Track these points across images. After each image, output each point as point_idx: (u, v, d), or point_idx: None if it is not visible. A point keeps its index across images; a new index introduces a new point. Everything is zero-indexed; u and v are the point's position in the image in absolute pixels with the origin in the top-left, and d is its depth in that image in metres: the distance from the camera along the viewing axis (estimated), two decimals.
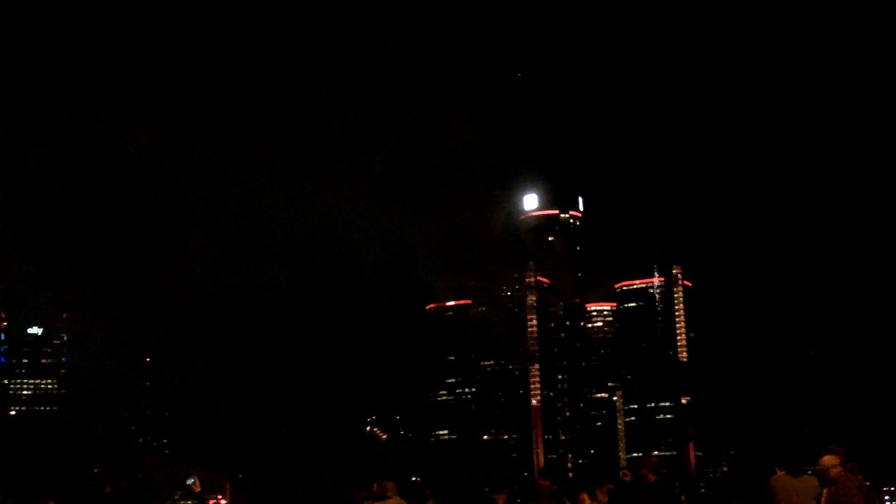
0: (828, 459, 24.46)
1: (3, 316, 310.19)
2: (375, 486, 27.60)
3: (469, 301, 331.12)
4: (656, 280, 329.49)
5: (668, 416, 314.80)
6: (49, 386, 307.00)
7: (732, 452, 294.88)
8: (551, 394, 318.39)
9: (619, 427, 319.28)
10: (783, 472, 26.76)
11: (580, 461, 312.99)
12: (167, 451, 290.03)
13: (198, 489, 31.44)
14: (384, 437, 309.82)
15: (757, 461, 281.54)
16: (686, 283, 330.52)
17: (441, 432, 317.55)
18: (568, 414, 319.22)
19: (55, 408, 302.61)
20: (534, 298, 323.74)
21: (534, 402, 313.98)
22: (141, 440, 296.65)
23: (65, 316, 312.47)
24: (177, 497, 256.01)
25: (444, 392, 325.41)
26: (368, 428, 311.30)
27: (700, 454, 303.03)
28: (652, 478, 24.28)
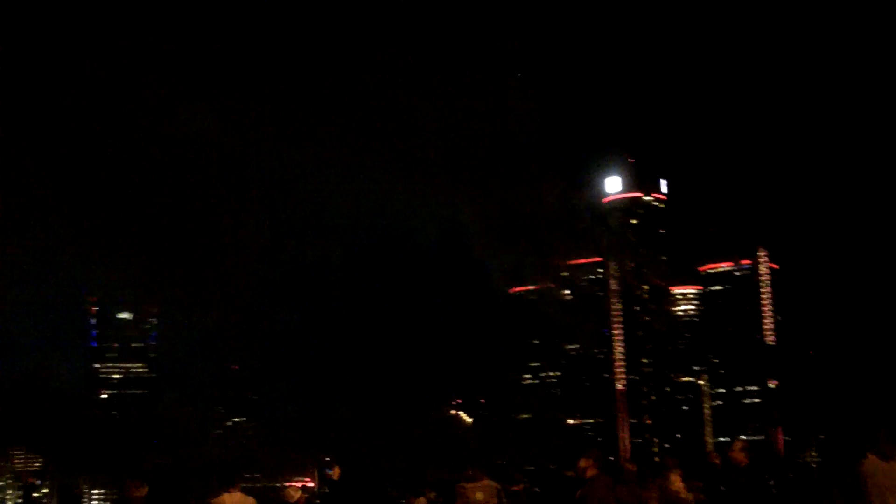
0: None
1: (94, 300, 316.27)
2: (469, 469, 27.90)
3: (553, 284, 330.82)
4: (742, 262, 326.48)
5: (756, 400, 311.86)
6: (139, 369, 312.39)
7: (822, 437, 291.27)
8: (636, 378, 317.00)
9: (706, 411, 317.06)
10: (874, 457, 26.48)
11: (666, 445, 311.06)
12: (250, 433, 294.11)
13: (336, 477, 32.30)
14: (469, 420, 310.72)
15: (848, 446, 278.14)
16: (773, 265, 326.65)
17: (525, 416, 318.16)
18: (653, 398, 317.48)
19: (145, 391, 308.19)
20: (617, 282, 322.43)
21: (619, 386, 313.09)
22: (229, 423, 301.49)
23: (154, 300, 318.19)
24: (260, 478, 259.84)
25: (529, 376, 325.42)
26: (453, 412, 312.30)
27: (788, 439, 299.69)
28: (744, 462, 24.19)
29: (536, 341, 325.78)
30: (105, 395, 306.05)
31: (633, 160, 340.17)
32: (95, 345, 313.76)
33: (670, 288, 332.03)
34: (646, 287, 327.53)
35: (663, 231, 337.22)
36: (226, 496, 25.90)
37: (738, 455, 25.58)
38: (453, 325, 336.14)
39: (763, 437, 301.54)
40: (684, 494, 27.85)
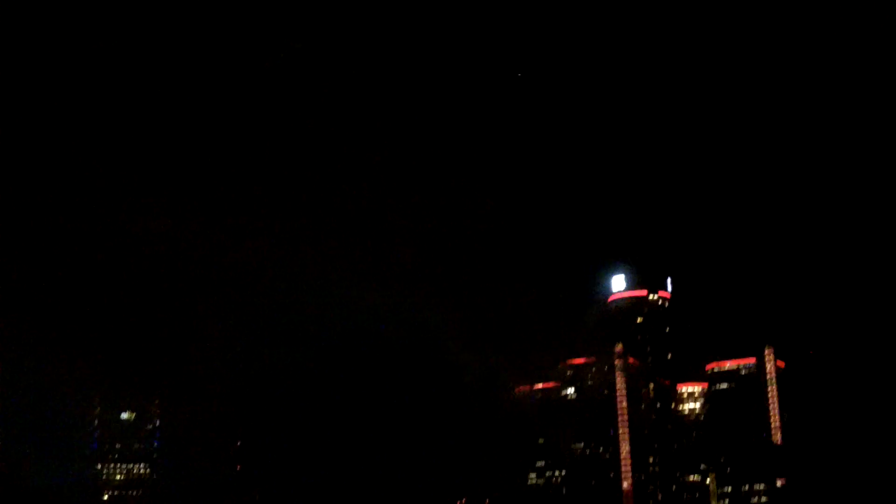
0: None
1: (97, 401, 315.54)
2: None
3: (558, 384, 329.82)
4: (747, 361, 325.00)
5: (764, 499, 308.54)
6: (141, 471, 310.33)
7: None
8: (643, 477, 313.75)
9: None
10: None
11: None
12: None
13: None
14: None
15: None
16: (779, 363, 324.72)
17: None
18: (660, 497, 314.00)
19: (147, 492, 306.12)
20: (623, 381, 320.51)
21: (625, 485, 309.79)
22: None
23: (157, 402, 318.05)
24: None
25: (534, 475, 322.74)
26: None
27: None
28: None
29: (542, 440, 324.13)
30: (106, 497, 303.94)
31: (638, 259, 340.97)
32: (96, 446, 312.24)
33: (676, 386, 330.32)
34: (651, 386, 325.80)
35: (669, 329, 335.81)
36: None
37: None
38: (456, 426, 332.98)
39: None
40: None
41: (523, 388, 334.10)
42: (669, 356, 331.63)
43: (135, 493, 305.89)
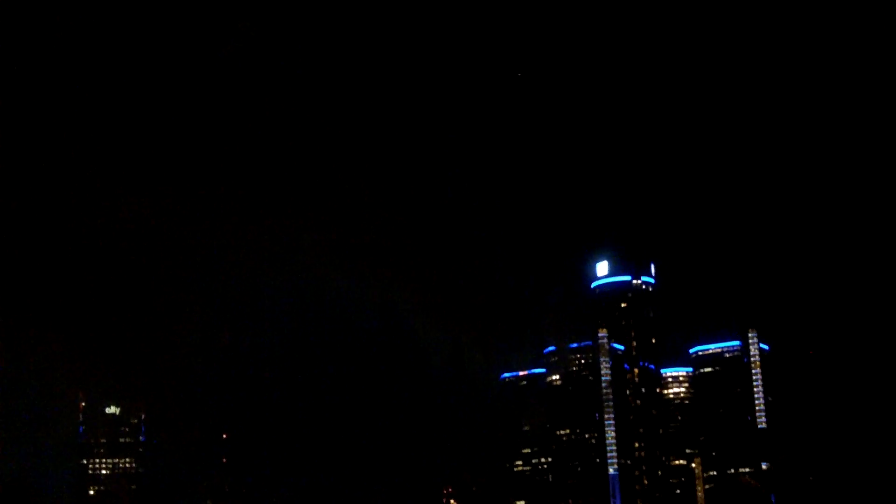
0: None
1: (82, 395, 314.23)
2: None
3: (543, 370, 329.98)
4: (731, 344, 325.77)
5: (750, 481, 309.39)
6: (127, 464, 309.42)
7: None
8: (629, 462, 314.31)
9: (699, 494, 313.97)
10: None
11: None
12: None
13: None
14: None
15: None
16: (763, 346, 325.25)
17: (518, 503, 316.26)
18: (646, 482, 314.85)
19: (133, 486, 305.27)
20: (608, 366, 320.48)
21: (611, 470, 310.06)
22: None
23: (142, 396, 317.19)
24: None
25: (521, 462, 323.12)
26: (445, 500, 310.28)
27: None
28: None
29: (527, 427, 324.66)
30: (92, 492, 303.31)
31: (622, 244, 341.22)
32: (82, 441, 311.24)
33: (660, 370, 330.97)
34: (636, 370, 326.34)
35: (653, 314, 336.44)
36: None
37: None
38: (442, 416, 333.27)
39: None
40: None
41: (508, 376, 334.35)
42: (654, 341, 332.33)
43: (121, 487, 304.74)
